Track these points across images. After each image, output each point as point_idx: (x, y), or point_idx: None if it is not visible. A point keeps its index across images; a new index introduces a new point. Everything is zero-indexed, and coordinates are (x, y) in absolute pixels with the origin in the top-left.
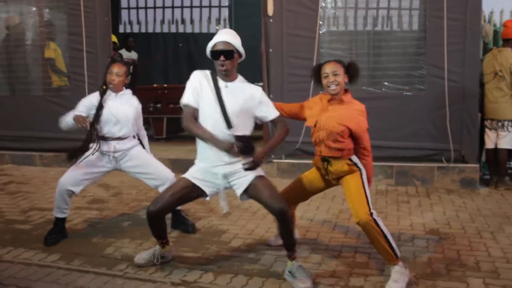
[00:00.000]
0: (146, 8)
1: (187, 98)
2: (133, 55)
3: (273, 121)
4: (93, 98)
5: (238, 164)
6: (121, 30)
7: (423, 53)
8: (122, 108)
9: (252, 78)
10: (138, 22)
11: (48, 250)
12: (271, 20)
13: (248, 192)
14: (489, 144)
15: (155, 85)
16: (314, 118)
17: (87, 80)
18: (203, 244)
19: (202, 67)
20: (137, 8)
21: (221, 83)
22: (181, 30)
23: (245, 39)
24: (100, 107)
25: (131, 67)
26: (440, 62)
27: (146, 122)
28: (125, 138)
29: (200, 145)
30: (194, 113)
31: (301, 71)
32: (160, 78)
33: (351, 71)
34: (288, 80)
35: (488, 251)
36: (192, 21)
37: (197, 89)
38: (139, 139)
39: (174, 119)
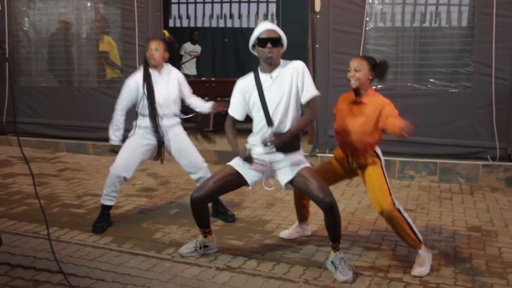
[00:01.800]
0: (195, 3)
1: (230, 109)
2: (197, 48)
3: (307, 103)
4: (132, 85)
5: (288, 156)
6: (171, 24)
7: (470, 50)
8: (162, 90)
9: None
10: (188, 17)
11: (101, 233)
12: (318, 16)
13: (294, 182)
14: None
15: (203, 79)
16: (340, 122)
17: None
18: (247, 233)
19: (249, 61)
20: (187, 3)
21: (264, 77)
22: (229, 24)
23: (292, 34)
24: (149, 88)
25: (169, 43)
26: (487, 59)
27: (193, 115)
28: (167, 116)
29: (253, 135)
30: (234, 122)
31: (347, 67)
32: (208, 72)
33: (378, 69)
34: (334, 76)
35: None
36: (240, 16)
37: (241, 98)
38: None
39: (221, 112)
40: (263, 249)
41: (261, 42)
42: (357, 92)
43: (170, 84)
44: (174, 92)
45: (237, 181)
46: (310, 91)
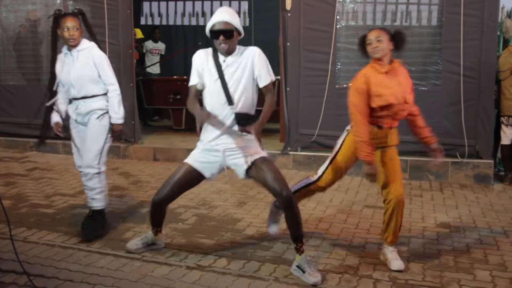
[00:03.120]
0: (167, 0)
1: (192, 79)
2: (160, 45)
3: (265, 88)
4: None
5: (240, 141)
6: (142, 22)
7: (439, 49)
8: (76, 69)
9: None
10: (160, 15)
11: (70, 233)
12: (289, 14)
13: (251, 172)
14: (505, 140)
15: (175, 77)
16: (388, 96)
17: None
18: (218, 231)
19: None
20: (159, 0)
21: (221, 58)
22: (201, 22)
23: (263, 32)
24: (52, 76)
25: (81, 17)
26: (456, 58)
27: (166, 113)
28: (90, 97)
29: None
30: (197, 94)
31: (318, 65)
32: (180, 70)
33: (397, 38)
34: (305, 74)
35: (498, 245)
36: (212, 14)
37: (200, 69)
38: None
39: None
40: (233, 248)
41: (214, 34)
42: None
43: (83, 66)
44: (89, 72)
45: (196, 177)
46: (268, 75)
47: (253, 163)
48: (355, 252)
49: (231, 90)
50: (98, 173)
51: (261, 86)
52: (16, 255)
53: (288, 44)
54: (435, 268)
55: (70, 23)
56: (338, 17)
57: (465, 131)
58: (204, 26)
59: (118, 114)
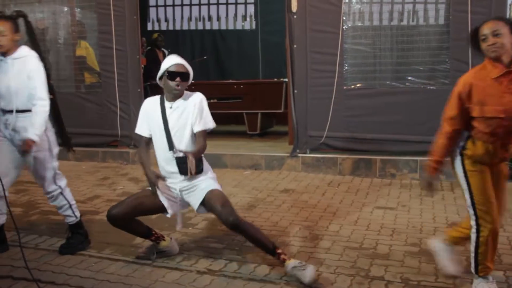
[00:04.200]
0: (173, 5)
1: (139, 128)
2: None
3: (198, 133)
4: None
5: (193, 180)
6: (149, 28)
7: (447, 47)
8: (7, 79)
9: (278, 73)
10: (166, 20)
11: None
12: (295, 16)
13: (205, 205)
14: None
15: None
16: (499, 106)
17: (116, 77)
18: (228, 235)
19: (228, 63)
20: (165, 6)
21: (167, 104)
22: (207, 27)
23: (270, 35)
24: None
25: (18, 21)
26: (464, 56)
27: None
28: (22, 111)
29: (159, 167)
30: (147, 142)
31: (325, 66)
32: None
33: None
34: (312, 76)
35: (511, 244)
36: (218, 18)
37: (148, 118)
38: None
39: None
40: (244, 252)
41: (171, 75)
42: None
43: (15, 75)
44: (18, 82)
45: (158, 208)
46: (206, 122)
47: (205, 197)
48: (366, 254)
49: (173, 136)
50: (61, 192)
51: (195, 130)
52: (25, 262)
53: (295, 46)
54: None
55: None
56: (344, 17)
57: None
58: (211, 31)
59: (36, 131)
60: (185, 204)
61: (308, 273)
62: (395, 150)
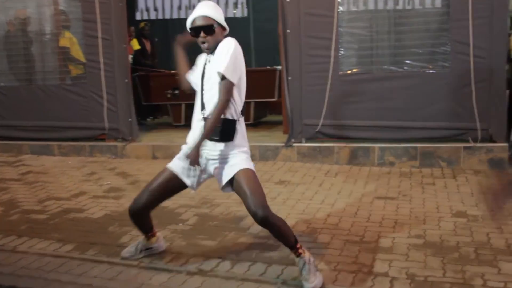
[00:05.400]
0: None
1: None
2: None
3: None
4: None
5: (224, 150)
6: (138, 17)
7: (446, 29)
8: None
9: (271, 61)
10: (155, 9)
11: (62, 240)
12: (288, 0)
13: (233, 185)
14: None
15: (172, 72)
16: None
17: (103, 67)
18: (220, 231)
19: None
20: None
21: (207, 57)
22: None
23: (263, 22)
24: None
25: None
26: (465, 37)
27: (164, 109)
28: None
29: (192, 124)
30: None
31: (320, 51)
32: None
33: None
34: (306, 61)
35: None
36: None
37: (195, 70)
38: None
39: (193, 105)
40: (237, 249)
41: (194, 31)
42: None
43: None
44: None
45: (177, 185)
46: (220, 64)
47: (234, 177)
48: (368, 248)
49: (205, 93)
50: None
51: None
52: None
53: (288, 31)
54: (456, 262)
55: None
56: (339, 0)
57: (477, 114)
58: None
59: None
60: (209, 174)
61: (314, 281)
62: (394, 137)
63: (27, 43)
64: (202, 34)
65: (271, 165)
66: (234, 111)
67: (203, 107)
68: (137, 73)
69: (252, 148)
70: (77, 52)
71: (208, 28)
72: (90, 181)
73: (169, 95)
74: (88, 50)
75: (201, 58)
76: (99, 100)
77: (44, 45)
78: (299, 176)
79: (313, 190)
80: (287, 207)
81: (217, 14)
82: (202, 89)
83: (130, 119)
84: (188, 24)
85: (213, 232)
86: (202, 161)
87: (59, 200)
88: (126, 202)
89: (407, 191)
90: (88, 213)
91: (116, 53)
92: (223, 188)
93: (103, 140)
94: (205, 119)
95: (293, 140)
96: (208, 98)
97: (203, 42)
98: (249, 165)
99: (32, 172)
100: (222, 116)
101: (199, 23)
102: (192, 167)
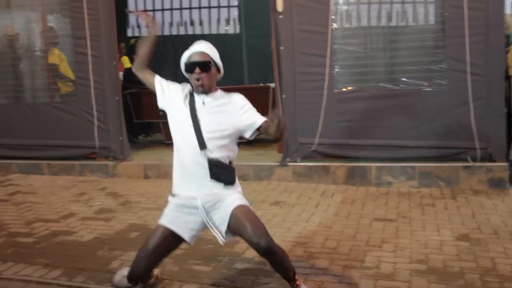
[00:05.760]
0: (154, 10)
1: (157, 82)
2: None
3: (263, 128)
4: None
5: (219, 193)
6: (129, 34)
7: (443, 46)
8: None
9: (264, 78)
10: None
11: (49, 266)
12: (280, 16)
13: (230, 227)
14: None
15: None
16: None
17: (93, 84)
18: (215, 256)
19: None
20: (145, 11)
21: (198, 98)
22: (190, 31)
23: (256, 38)
24: None
25: None
26: (461, 55)
27: (156, 127)
28: None
29: (177, 170)
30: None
31: (314, 68)
32: (171, 81)
33: None
34: (300, 79)
35: None
36: (201, 23)
37: (171, 91)
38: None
39: None
40: (233, 275)
41: (188, 67)
42: None
43: None
44: None
45: (175, 241)
46: (259, 120)
47: (230, 216)
48: (369, 274)
49: (206, 135)
50: None
51: (256, 127)
52: None
53: (282, 48)
54: None
55: None
56: (333, 17)
57: (476, 132)
58: (193, 36)
59: None
60: (207, 222)
61: None
62: (391, 157)
63: (16, 60)
64: (197, 70)
65: (265, 185)
66: (234, 155)
67: (203, 147)
68: (129, 91)
69: (246, 168)
70: (66, 69)
71: (205, 65)
72: (79, 202)
73: (161, 113)
74: (77, 67)
75: (185, 91)
76: (89, 118)
77: (33, 62)
78: (295, 196)
79: (309, 211)
80: (283, 229)
81: (214, 54)
82: (197, 131)
83: (121, 138)
84: (184, 59)
85: (207, 256)
86: (197, 211)
87: (47, 222)
88: (116, 224)
89: (406, 213)
90: (77, 236)
91: (106, 70)
92: (225, 235)
93: (93, 159)
94: (211, 161)
95: (288, 159)
96: (212, 140)
97: (198, 79)
98: (245, 202)
99: (20, 192)
100: (228, 161)
101: (195, 58)
102: (188, 220)
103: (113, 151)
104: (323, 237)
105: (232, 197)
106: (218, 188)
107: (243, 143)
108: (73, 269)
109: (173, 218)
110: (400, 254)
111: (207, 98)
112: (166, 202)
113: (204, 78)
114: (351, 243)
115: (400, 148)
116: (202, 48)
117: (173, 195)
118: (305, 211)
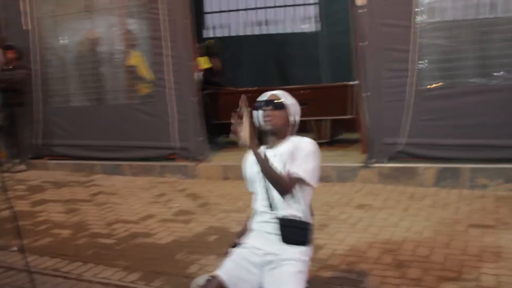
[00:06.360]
0: (229, 11)
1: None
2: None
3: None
4: None
5: (286, 253)
6: (205, 35)
7: None
8: None
9: (342, 76)
10: (223, 26)
11: (128, 268)
12: (360, 11)
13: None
14: None
15: (242, 89)
16: None
17: (170, 85)
18: None
19: (289, 67)
20: (220, 12)
21: (270, 152)
22: (264, 31)
23: (333, 36)
24: None
25: None
26: None
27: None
28: None
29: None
30: None
31: (398, 64)
32: (247, 81)
33: None
34: (384, 76)
35: None
36: (277, 22)
37: (245, 171)
38: None
39: None
40: (317, 283)
41: (261, 104)
42: None
43: None
44: None
45: None
46: (301, 168)
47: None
48: (467, 286)
49: (271, 192)
50: None
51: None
52: None
53: (366, 43)
54: None
55: None
56: (417, 9)
57: None
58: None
59: None
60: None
61: None
62: (485, 157)
63: (97, 63)
64: (269, 107)
65: (349, 187)
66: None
67: (272, 207)
68: (207, 91)
69: (329, 169)
70: (145, 71)
71: (277, 104)
72: (159, 203)
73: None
74: (156, 68)
75: (249, 159)
76: (168, 119)
77: (113, 65)
78: (381, 199)
79: (397, 215)
80: (369, 235)
81: (291, 104)
82: (266, 188)
83: (200, 138)
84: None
85: None
86: (256, 268)
87: (127, 223)
88: (195, 227)
89: (507, 219)
90: (156, 238)
91: (184, 70)
92: None
93: (173, 160)
94: (280, 219)
95: (373, 160)
96: (278, 197)
97: (267, 116)
98: (300, 266)
99: (102, 193)
100: (303, 219)
101: (269, 98)
102: (246, 278)
103: (192, 152)
104: (414, 244)
105: (291, 267)
106: (284, 246)
107: (325, 143)
108: (151, 273)
109: (231, 271)
110: (503, 265)
111: (279, 148)
112: (246, 203)
113: (274, 117)
114: (445, 251)
115: (496, 148)
116: (280, 94)
117: (239, 245)
118: (392, 215)
